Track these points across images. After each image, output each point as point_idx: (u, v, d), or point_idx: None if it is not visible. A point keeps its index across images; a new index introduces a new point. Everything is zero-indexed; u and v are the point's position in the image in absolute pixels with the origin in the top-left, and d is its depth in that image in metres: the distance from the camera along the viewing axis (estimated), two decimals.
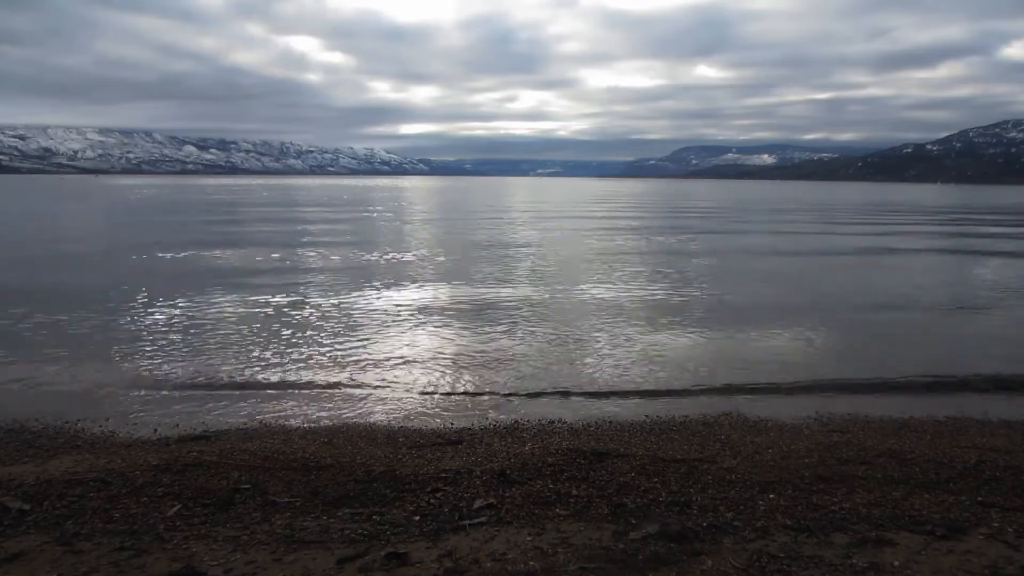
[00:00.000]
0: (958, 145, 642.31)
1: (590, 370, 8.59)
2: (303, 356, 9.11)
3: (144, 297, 13.07)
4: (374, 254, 21.17)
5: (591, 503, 4.10)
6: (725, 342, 10.19)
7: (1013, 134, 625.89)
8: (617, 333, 10.53)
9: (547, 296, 13.75)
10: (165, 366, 8.58)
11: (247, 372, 8.37)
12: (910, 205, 69.61)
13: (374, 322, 11.23)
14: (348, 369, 8.57)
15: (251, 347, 9.51)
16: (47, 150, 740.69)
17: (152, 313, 11.68)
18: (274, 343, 9.76)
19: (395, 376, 8.32)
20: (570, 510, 4.00)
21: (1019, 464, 5.00)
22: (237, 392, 7.66)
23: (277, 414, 6.97)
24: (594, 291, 14.39)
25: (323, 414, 6.98)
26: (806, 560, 3.34)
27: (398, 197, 75.52)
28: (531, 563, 3.29)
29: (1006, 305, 13.62)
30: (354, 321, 11.27)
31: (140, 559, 3.34)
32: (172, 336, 10.08)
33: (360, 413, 7.04)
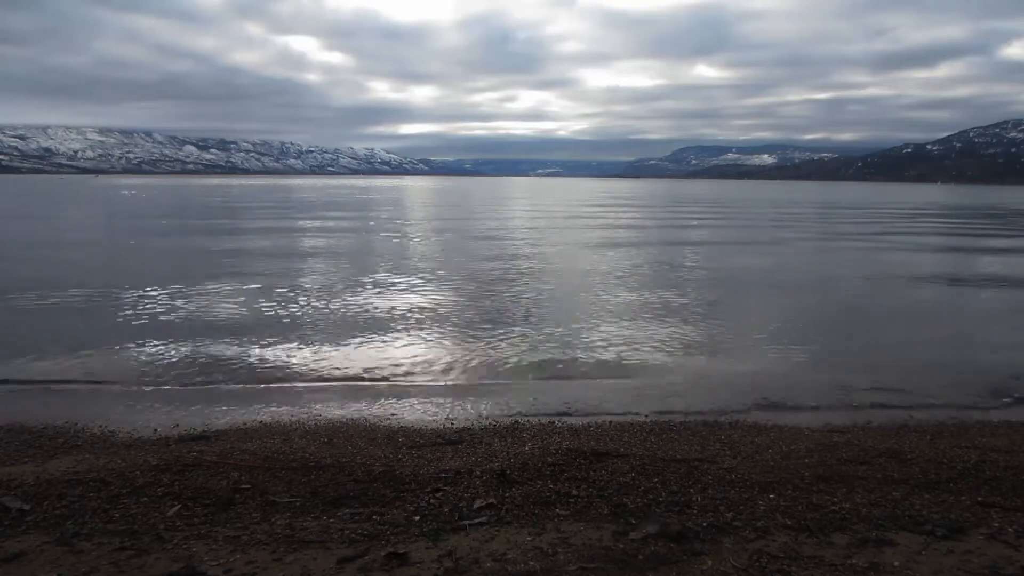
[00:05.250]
0: (958, 145, 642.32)
1: (592, 369, 8.59)
2: (303, 356, 9.11)
3: (144, 298, 13.07)
4: (374, 255, 21.17)
5: (591, 503, 4.10)
6: (727, 340, 10.18)
7: (1013, 134, 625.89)
8: (619, 334, 10.54)
9: (548, 298, 13.75)
10: (165, 366, 8.58)
11: (247, 372, 8.37)
12: (924, 206, 69.58)
13: (373, 323, 11.23)
14: (348, 369, 8.58)
15: (251, 348, 9.51)
16: (47, 150, 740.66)
17: (152, 314, 11.68)
18: (274, 344, 9.76)
19: (395, 376, 8.32)
20: (570, 510, 3.99)
21: (1019, 464, 4.99)
22: (237, 392, 7.66)
23: (277, 414, 6.97)
24: (595, 294, 14.39)
25: (323, 414, 6.99)
26: (806, 560, 3.34)
27: (400, 200, 75.49)
28: (531, 563, 3.29)
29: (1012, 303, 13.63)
30: (354, 322, 11.28)
31: (140, 559, 3.34)
32: (172, 336, 10.08)
33: (360, 413, 7.04)
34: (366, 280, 15.64)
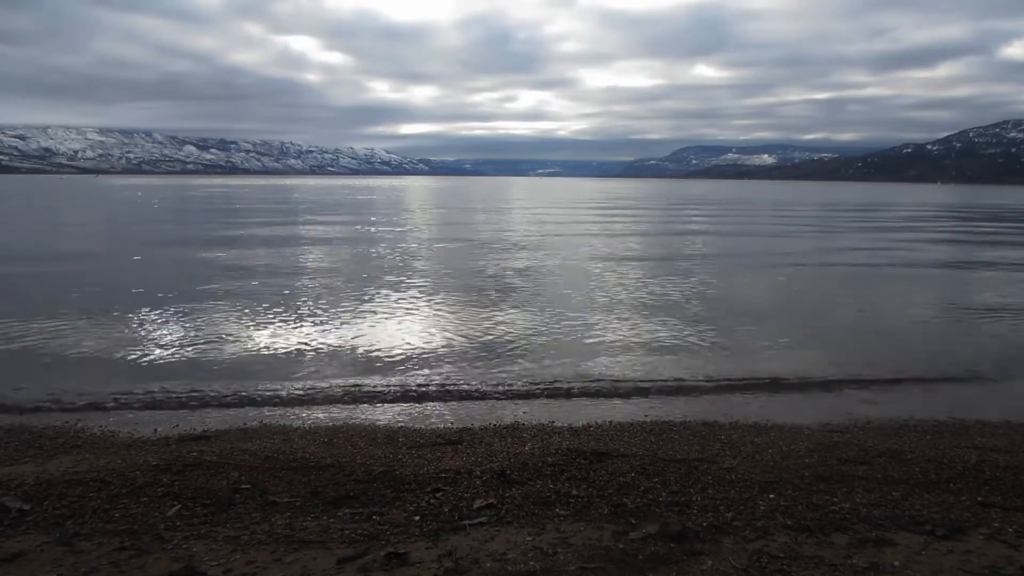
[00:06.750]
0: (958, 145, 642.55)
1: (591, 370, 8.59)
2: (303, 356, 9.11)
3: (144, 298, 13.07)
4: (376, 259, 21.18)
5: (591, 503, 4.10)
6: (727, 342, 10.18)
7: (1013, 134, 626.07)
8: (618, 334, 10.54)
9: (548, 298, 13.75)
10: (166, 366, 8.58)
11: (247, 372, 8.37)
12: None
13: (374, 324, 11.23)
14: (348, 369, 8.58)
15: (251, 347, 9.51)
16: (47, 150, 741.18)
17: (152, 313, 11.68)
18: (274, 343, 9.76)
19: (395, 376, 8.32)
20: (570, 510, 4.00)
21: (1019, 464, 4.99)
22: (237, 392, 7.66)
23: (277, 414, 6.97)
24: (595, 295, 14.39)
25: (323, 414, 6.99)
26: (806, 560, 3.34)
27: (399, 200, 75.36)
28: (531, 563, 3.29)
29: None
30: (353, 322, 11.28)
31: (140, 559, 3.34)
32: (172, 336, 10.08)
33: (360, 413, 7.04)
34: (368, 284, 15.65)
